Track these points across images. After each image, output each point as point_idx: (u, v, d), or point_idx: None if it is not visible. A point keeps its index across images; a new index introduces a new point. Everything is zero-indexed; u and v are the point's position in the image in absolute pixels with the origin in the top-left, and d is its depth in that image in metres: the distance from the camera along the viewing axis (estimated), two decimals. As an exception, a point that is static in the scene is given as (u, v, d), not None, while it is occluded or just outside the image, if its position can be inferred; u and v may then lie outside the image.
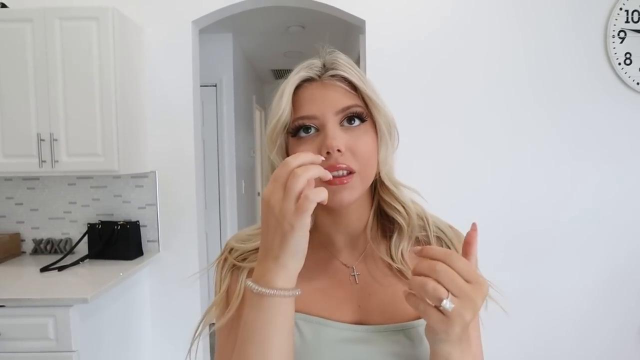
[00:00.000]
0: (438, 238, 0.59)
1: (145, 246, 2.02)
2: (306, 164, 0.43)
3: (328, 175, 0.46)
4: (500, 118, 2.03)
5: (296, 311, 0.53)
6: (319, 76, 0.55)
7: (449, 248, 0.58)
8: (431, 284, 0.40)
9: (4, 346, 1.43)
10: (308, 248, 0.49)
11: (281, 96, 0.54)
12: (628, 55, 2.02)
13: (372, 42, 2.02)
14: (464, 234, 0.59)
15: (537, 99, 2.03)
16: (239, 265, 0.57)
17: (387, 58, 2.01)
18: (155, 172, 2.02)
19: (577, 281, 2.10)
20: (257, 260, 0.47)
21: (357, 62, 2.26)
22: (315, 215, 0.58)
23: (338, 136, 0.51)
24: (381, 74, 2.00)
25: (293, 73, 0.56)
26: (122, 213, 2.03)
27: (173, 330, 2.06)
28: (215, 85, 3.03)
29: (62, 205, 2.03)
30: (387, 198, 0.58)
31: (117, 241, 1.91)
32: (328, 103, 0.53)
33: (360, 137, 0.53)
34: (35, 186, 2.03)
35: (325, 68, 0.55)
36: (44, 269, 1.72)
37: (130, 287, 1.88)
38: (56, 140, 1.65)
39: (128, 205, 2.03)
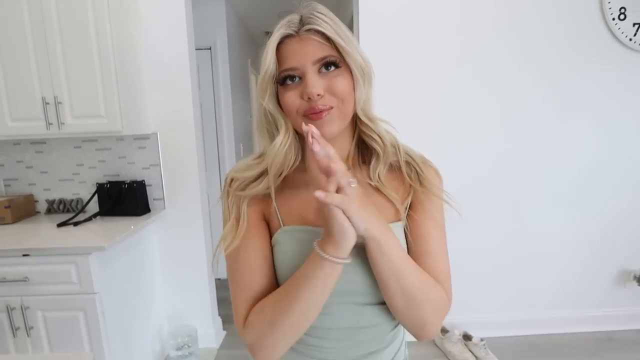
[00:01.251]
0: (407, 162, 0.71)
1: (151, 204, 2.16)
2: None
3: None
4: (494, 75, 2.10)
5: (295, 223, 0.66)
6: (297, 32, 0.63)
7: (417, 170, 0.70)
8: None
9: (34, 290, 1.60)
10: (302, 178, 0.61)
11: (267, 52, 0.64)
12: (623, 10, 2.01)
13: (367, 1, 2.05)
14: (433, 164, 0.72)
15: (528, 55, 2.08)
16: (240, 195, 0.69)
17: (381, 18, 2.06)
18: (156, 133, 2.12)
19: (560, 232, 2.26)
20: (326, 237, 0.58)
21: (351, 22, 2.30)
22: (305, 152, 0.71)
23: (317, 83, 0.62)
24: (375, 33, 2.06)
25: (275, 30, 0.65)
26: (127, 173, 2.15)
27: (180, 278, 2.25)
28: (210, 49, 3.06)
29: (70, 167, 2.15)
30: (365, 130, 0.69)
31: (125, 199, 2.04)
32: (306, 55, 0.62)
33: (336, 80, 0.63)
34: (43, 150, 2.13)
35: (302, 23, 0.64)
36: (60, 224, 1.86)
37: (140, 240, 2.03)
38: (60, 103, 1.74)
39: (133, 166, 2.15)
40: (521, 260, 2.29)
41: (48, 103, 1.73)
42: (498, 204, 2.23)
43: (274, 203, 0.68)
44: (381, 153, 0.68)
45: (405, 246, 0.67)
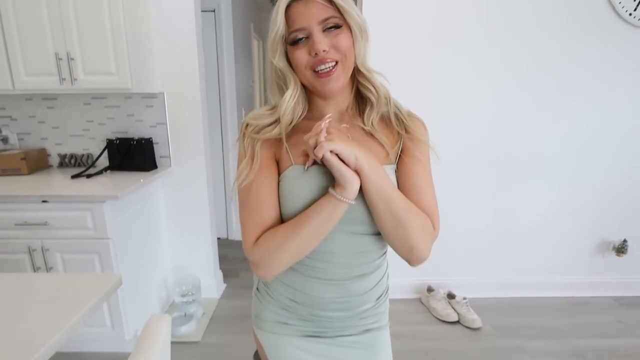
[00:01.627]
0: (395, 114, 0.82)
1: (158, 161, 2.27)
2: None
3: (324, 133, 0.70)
4: (489, 47, 2.16)
5: (303, 163, 0.77)
6: None
7: (403, 121, 0.81)
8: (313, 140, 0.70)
9: (53, 234, 1.74)
10: (309, 126, 0.74)
11: (276, 14, 0.74)
12: None
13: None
14: (419, 117, 0.83)
15: (526, 30, 2.14)
16: (254, 137, 0.80)
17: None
18: (163, 93, 2.20)
19: (546, 203, 2.39)
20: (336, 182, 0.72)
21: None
22: (312, 103, 0.82)
23: (322, 40, 0.72)
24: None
25: None
26: (135, 131, 2.25)
27: (184, 232, 2.40)
28: (214, 11, 3.08)
29: (81, 123, 2.25)
30: (363, 81, 0.81)
31: (133, 155, 2.15)
32: (311, 17, 0.72)
33: (338, 37, 0.74)
34: (54, 105, 2.22)
35: None
36: (74, 176, 1.98)
37: (148, 195, 2.16)
38: (73, 59, 1.82)
39: (140, 124, 2.24)
40: (507, 228, 2.43)
41: (61, 59, 1.81)
42: (488, 174, 2.35)
43: (285, 145, 0.79)
44: (375, 102, 0.80)
45: (396, 186, 0.79)
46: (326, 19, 0.72)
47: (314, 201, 0.74)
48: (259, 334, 0.90)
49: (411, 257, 0.76)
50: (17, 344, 0.76)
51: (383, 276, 0.88)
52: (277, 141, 0.80)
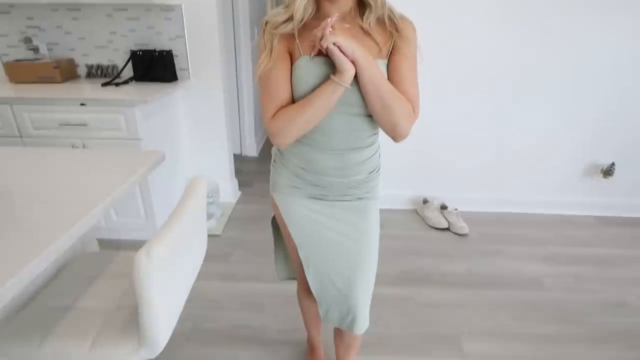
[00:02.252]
0: (389, 17, 0.97)
1: (178, 73, 2.43)
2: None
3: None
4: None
5: (307, 54, 0.93)
6: None
7: (395, 23, 0.97)
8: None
9: (92, 134, 1.98)
10: (318, 24, 0.90)
11: None
12: None
13: None
14: (410, 20, 0.98)
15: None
16: (272, 33, 0.95)
17: None
18: (181, 5, 2.29)
19: (540, 125, 2.53)
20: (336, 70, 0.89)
21: None
22: (320, 5, 0.96)
23: None
24: None
25: None
26: (156, 43, 2.37)
27: (203, 141, 2.64)
28: None
29: (105, 35, 2.37)
30: None
31: (155, 66, 2.31)
32: None
33: None
34: (79, 17, 2.33)
35: None
36: (104, 84, 2.17)
37: (170, 104, 2.35)
38: (98, -32, 1.91)
39: (160, 36, 2.36)
40: (502, 148, 2.61)
41: (88, -34, 1.90)
42: (487, 97, 2.47)
43: (296, 40, 0.95)
44: (373, 6, 0.95)
45: (386, 77, 0.95)
46: None
47: (318, 86, 0.93)
48: (276, 197, 1.14)
49: (395, 134, 0.97)
50: (80, 199, 1.01)
51: (374, 154, 1.09)
52: (291, 36, 0.96)
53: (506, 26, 2.30)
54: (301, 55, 0.95)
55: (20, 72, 2.26)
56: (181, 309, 1.03)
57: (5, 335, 0.91)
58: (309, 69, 0.93)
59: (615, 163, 2.57)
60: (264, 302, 1.87)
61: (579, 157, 2.62)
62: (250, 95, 3.57)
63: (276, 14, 0.96)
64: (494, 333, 1.72)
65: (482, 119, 2.54)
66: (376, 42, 0.95)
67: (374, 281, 1.15)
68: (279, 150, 1.12)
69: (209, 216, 2.49)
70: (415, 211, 2.76)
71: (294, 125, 0.94)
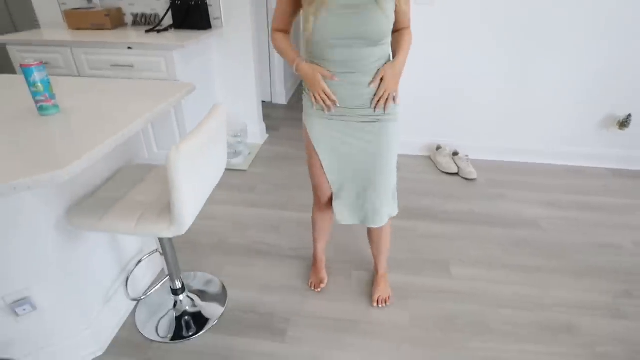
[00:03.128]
0: None
1: (212, 22, 2.64)
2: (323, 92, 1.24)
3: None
4: None
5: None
6: None
7: None
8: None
9: (137, 75, 2.27)
10: None
11: None
12: None
13: None
14: None
15: None
16: None
17: None
18: (214, -44, 2.46)
19: (557, 76, 2.55)
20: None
21: None
22: None
23: None
24: None
25: None
26: (192, -7, 2.58)
27: (234, 86, 2.89)
28: None
29: (147, -15, 2.61)
30: None
31: (192, 15, 2.53)
32: None
33: None
34: (125, -32, 2.58)
35: None
36: (148, 31, 2.44)
37: (205, 50, 2.60)
38: None
39: (196, -14, 2.56)
40: (517, 98, 2.66)
41: None
42: (503, 47, 2.50)
43: None
44: None
45: (394, 8, 1.15)
46: None
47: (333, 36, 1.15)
48: (304, 118, 1.38)
49: None
50: (130, 113, 1.28)
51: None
52: None
53: None
54: None
55: (76, 20, 2.56)
56: (202, 203, 1.31)
57: (76, 213, 1.23)
58: (326, 22, 1.13)
59: (633, 115, 2.55)
60: (280, 226, 2.16)
61: (595, 108, 2.62)
62: (281, 46, 3.73)
63: None
64: (482, 262, 1.91)
65: (497, 71, 2.58)
66: None
67: (391, 182, 1.40)
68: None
69: (237, 154, 2.78)
70: (429, 158, 2.90)
71: (277, 50, 1.33)
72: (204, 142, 1.19)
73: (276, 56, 3.76)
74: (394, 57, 1.27)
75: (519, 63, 2.54)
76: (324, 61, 1.21)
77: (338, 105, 1.26)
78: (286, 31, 1.31)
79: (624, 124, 2.56)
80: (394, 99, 1.27)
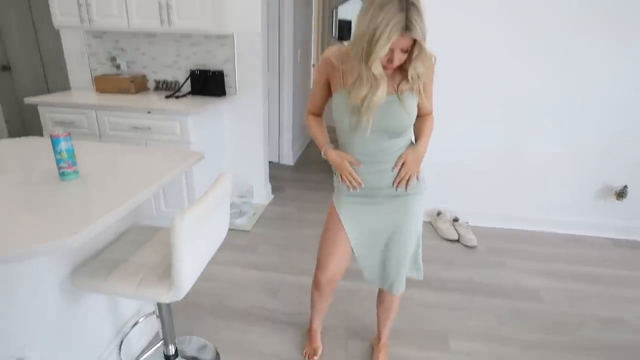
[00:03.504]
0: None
1: (227, 90, 2.86)
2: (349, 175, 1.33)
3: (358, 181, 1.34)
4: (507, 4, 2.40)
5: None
6: (402, 35, 1.03)
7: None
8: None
9: (154, 137, 2.44)
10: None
11: (382, 43, 1.03)
12: None
13: None
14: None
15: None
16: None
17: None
18: (233, 34, 2.73)
19: (554, 147, 2.66)
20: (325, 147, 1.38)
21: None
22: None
23: (398, 59, 1.11)
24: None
25: (388, 28, 1.01)
26: (211, 64, 2.83)
27: (243, 148, 3.03)
28: (279, -39, 3.46)
29: (171, 57, 2.87)
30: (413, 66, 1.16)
31: (209, 84, 2.75)
32: (400, 45, 1.07)
33: (406, 54, 1.11)
34: (153, 42, 2.85)
35: (406, 27, 1.02)
36: (167, 97, 2.65)
37: (218, 115, 2.79)
38: (170, 6, 2.38)
39: (215, 59, 2.82)
40: (515, 166, 2.75)
41: (162, 6, 2.38)
42: (500, 118, 2.65)
43: (340, 70, 1.25)
44: (412, 82, 1.20)
45: (417, 104, 1.24)
46: (406, 49, 1.10)
47: (346, 115, 1.24)
48: (333, 196, 1.47)
49: None
50: (140, 180, 1.39)
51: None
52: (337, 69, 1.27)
53: (520, 50, 2.49)
54: (342, 84, 1.24)
55: (104, 84, 2.80)
56: (203, 267, 1.36)
57: (80, 274, 1.29)
58: (341, 102, 1.25)
59: (628, 185, 2.60)
60: (280, 289, 2.18)
61: (592, 178, 2.70)
62: (290, 109, 3.96)
63: (336, 52, 1.28)
64: (482, 335, 1.88)
65: (497, 139, 2.70)
66: (410, 80, 1.21)
67: (416, 252, 1.48)
68: None
69: (242, 214, 2.86)
70: (430, 223, 2.94)
71: (309, 130, 1.47)
72: (208, 210, 1.27)
73: (285, 119, 3.98)
74: (416, 141, 1.36)
75: (516, 134, 2.67)
76: (350, 148, 1.32)
77: (363, 186, 1.35)
78: (319, 114, 1.45)
79: (620, 194, 2.62)
80: (417, 176, 1.35)
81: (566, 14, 2.37)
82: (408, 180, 1.32)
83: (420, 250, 1.49)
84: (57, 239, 0.95)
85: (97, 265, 1.34)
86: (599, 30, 2.38)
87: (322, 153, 1.39)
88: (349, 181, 1.34)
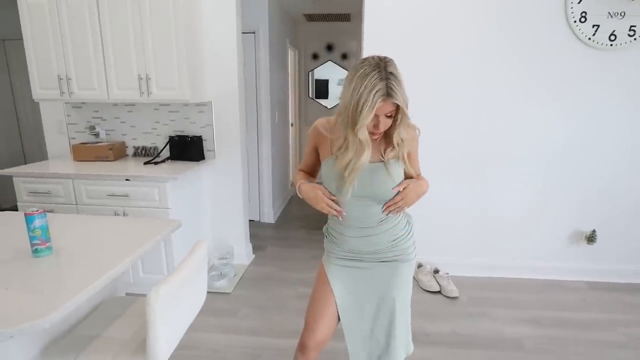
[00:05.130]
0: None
1: (206, 154, 2.94)
2: (327, 205, 1.31)
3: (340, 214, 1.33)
4: (471, 68, 2.64)
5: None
6: (384, 100, 1.13)
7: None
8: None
9: (131, 203, 2.44)
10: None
11: (367, 113, 1.12)
12: (584, 14, 2.47)
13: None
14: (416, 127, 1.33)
15: (503, 53, 2.60)
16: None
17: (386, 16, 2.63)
18: (211, 102, 2.87)
19: (524, 197, 2.80)
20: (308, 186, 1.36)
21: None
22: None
23: (383, 124, 1.19)
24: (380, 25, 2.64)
25: (371, 97, 1.11)
26: (190, 130, 2.93)
27: (223, 210, 3.06)
28: (254, 32, 3.73)
29: (150, 124, 2.97)
30: (398, 133, 1.25)
31: (188, 149, 2.83)
32: (384, 110, 1.16)
33: (391, 119, 1.20)
34: (133, 110, 2.95)
35: (387, 94, 1.12)
36: (146, 163, 2.69)
37: (197, 179, 2.83)
38: (150, 78, 2.51)
39: (194, 125, 2.92)
40: (490, 218, 2.86)
41: (142, 78, 2.51)
42: (473, 170, 2.79)
43: (328, 142, 1.32)
44: (397, 148, 1.27)
45: (403, 171, 1.30)
46: (390, 114, 1.18)
47: (335, 180, 1.28)
48: (324, 258, 1.48)
49: None
50: (113, 254, 1.39)
51: (394, 226, 1.36)
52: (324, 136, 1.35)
53: (495, 103, 2.69)
54: (330, 153, 1.31)
55: (82, 153, 2.83)
56: (179, 339, 1.33)
57: (51, 353, 1.25)
58: (329, 169, 1.30)
59: (597, 230, 2.72)
60: (261, 354, 2.11)
61: (563, 224, 2.82)
62: (269, 168, 4.06)
63: (325, 123, 1.36)
64: (468, 391, 1.85)
65: (471, 192, 2.83)
66: (395, 145, 1.28)
67: (406, 320, 1.43)
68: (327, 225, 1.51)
69: (223, 276, 2.82)
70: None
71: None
72: (185, 281, 1.27)
73: (265, 178, 4.06)
74: None
75: (486, 186, 2.81)
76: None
77: (345, 215, 1.33)
78: (310, 174, 1.48)
79: (590, 239, 2.73)
80: (405, 214, 1.40)
81: (516, 75, 2.62)
82: (398, 207, 1.29)
83: (409, 322, 1.45)
84: (27, 321, 0.94)
85: (69, 342, 1.30)
86: (557, 92, 2.62)
87: (297, 189, 1.40)
88: (329, 211, 1.32)
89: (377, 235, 1.34)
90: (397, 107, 1.17)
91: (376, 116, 1.17)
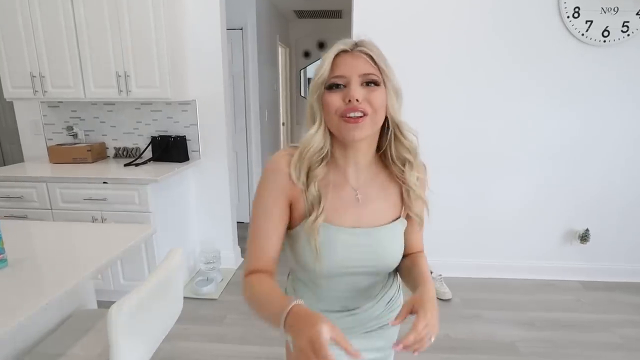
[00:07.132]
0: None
1: (190, 154, 2.83)
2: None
3: None
4: (468, 65, 2.56)
5: (327, 221, 0.81)
6: (351, 49, 0.79)
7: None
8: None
9: (110, 207, 2.33)
10: (329, 174, 0.81)
11: (324, 61, 0.78)
12: (577, 10, 2.39)
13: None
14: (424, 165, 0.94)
15: (496, 50, 2.52)
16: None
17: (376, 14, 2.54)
18: (195, 100, 2.76)
19: (518, 196, 2.73)
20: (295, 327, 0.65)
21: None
22: (333, 150, 0.84)
23: (358, 91, 0.76)
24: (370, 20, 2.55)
25: (334, 45, 0.79)
26: (173, 130, 2.82)
27: (209, 212, 2.95)
28: (242, 29, 3.62)
29: (132, 123, 2.85)
30: (400, 138, 0.84)
31: (171, 149, 2.72)
32: (355, 68, 0.77)
33: (374, 93, 0.77)
34: (113, 109, 2.84)
35: (356, 45, 0.79)
36: (126, 165, 2.58)
37: (181, 181, 2.72)
38: (128, 76, 2.40)
39: (177, 124, 2.81)
40: (484, 218, 2.78)
41: (120, 76, 2.39)
42: (466, 169, 2.72)
43: (304, 194, 0.82)
44: (413, 162, 0.88)
45: (402, 238, 0.93)
46: (367, 74, 0.77)
47: (347, 252, 0.85)
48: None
49: None
50: (75, 264, 1.29)
51: (381, 299, 0.98)
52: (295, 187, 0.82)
53: (487, 100, 2.61)
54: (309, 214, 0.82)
55: (59, 154, 2.71)
56: (152, 352, 1.23)
57: (10, 374, 1.14)
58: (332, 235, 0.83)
59: (590, 229, 2.66)
60: (247, 363, 2.01)
61: (556, 224, 2.76)
62: (259, 167, 3.95)
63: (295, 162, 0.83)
64: (462, 400, 1.77)
65: (464, 192, 2.75)
66: (397, 196, 0.92)
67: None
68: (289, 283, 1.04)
69: (209, 281, 2.72)
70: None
71: (251, 302, 0.82)
72: (155, 291, 1.17)
73: (254, 178, 3.95)
74: (417, 285, 0.87)
75: (479, 184, 2.73)
76: (319, 293, 0.94)
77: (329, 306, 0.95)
78: (266, 271, 0.85)
79: (583, 238, 2.67)
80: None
81: (510, 69, 2.54)
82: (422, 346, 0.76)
83: None
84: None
85: (29, 363, 1.20)
86: (550, 89, 2.55)
87: (282, 321, 0.68)
88: None
89: (368, 312, 0.96)
90: (383, 84, 0.78)
91: (342, 78, 0.77)
